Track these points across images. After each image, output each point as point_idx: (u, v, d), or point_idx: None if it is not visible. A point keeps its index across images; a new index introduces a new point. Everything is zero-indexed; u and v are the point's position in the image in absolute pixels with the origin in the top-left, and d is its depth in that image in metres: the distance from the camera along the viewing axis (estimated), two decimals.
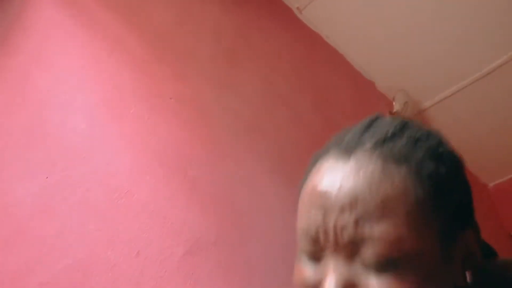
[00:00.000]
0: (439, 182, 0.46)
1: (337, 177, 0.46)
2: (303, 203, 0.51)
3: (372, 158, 0.46)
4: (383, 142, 0.48)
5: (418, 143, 0.48)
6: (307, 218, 0.48)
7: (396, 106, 2.38)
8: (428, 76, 2.37)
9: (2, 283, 1.05)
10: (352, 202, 0.44)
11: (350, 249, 0.44)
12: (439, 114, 2.53)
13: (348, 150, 0.49)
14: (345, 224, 0.44)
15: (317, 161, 0.54)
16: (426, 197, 0.45)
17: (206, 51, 1.82)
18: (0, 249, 1.08)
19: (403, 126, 0.50)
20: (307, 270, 0.49)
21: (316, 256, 0.48)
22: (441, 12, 1.97)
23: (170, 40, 1.69)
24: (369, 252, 0.43)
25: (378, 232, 0.42)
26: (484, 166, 2.83)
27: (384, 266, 0.43)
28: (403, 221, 0.43)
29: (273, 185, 1.73)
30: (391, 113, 2.39)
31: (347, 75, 2.53)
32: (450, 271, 0.46)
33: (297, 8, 2.23)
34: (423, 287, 0.43)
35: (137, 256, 1.25)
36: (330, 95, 2.23)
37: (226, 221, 1.49)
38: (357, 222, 0.43)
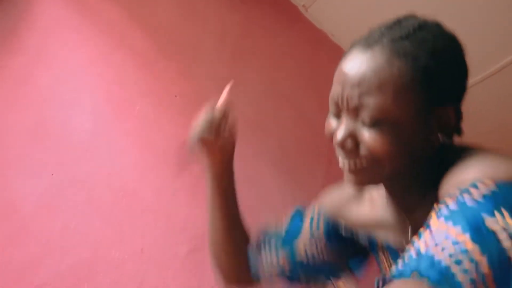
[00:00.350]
0: (429, 73, 0.63)
1: (355, 63, 0.66)
2: (334, 79, 0.70)
3: (384, 52, 0.64)
4: (396, 40, 0.65)
5: (423, 44, 0.64)
6: (333, 89, 0.69)
7: None
8: None
9: (7, 280, 1.05)
10: (360, 82, 0.63)
11: (355, 112, 0.65)
12: None
13: (369, 44, 0.66)
14: (352, 96, 0.64)
15: (350, 47, 0.70)
16: (414, 84, 0.63)
17: (211, 49, 1.82)
18: (5, 247, 1.09)
19: (420, 27, 0.66)
20: (331, 123, 0.70)
21: (337, 115, 0.69)
22: (446, 10, 1.95)
23: (175, 38, 1.69)
24: (365, 115, 0.63)
25: (373, 103, 0.62)
26: None
27: (374, 124, 0.63)
28: (391, 97, 0.62)
29: (277, 183, 1.73)
30: None
31: None
32: (424, 135, 0.65)
33: (303, 6, 2.22)
34: (398, 141, 0.63)
35: (141, 254, 1.25)
36: None
37: None
38: (360, 95, 0.63)
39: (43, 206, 1.17)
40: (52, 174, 1.22)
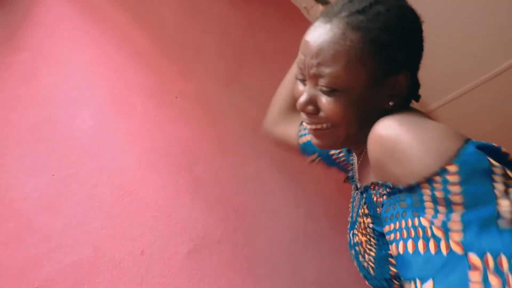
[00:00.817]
0: (380, 44, 0.68)
1: (315, 33, 0.72)
2: (300, 46, 0.76)
3: (340, 24, 0.69)
4: (353, 14, 0.69)
5: (376, 17, 0.69)
6: (298, 57, 0.75)
7: None
8: (435, 78, 2.36)
9: (9, 279, 1.06)
10: (318, 52, 0.70)
11: (315, 80, 0.72)
12: (445, 115, 2.52)
13: (329, 16, 0.71)
14: (311, 65, 0.71)
15: (315, 19, 0.76)
16: (365, 55, 0.68)
17: (213, 49, 1.82)
18: (7, 244, 1.09)
19: (376, 1, 0.70)
20: (299, 87, 0.78)
21: (303, 81, 0.77)
22: (447, 14, 1.96)
23: (177, 38, 1.70)
24: (322, 83, 0.70)
25: (328, 72, 0.69)
26: None
27: (330, 92, 0.70)
28: (344, 67, 0.68)
29: (278, 183, 1.73)
30: None
31: None
32: (377, 102, 0.71)
33: (305, 7, 2.23)
34: (352, 108, 0.70)
35: (142, 254, 1.25)
36: None
37: (230, 219, 1.50)
38: (318, 64, 0.70)
39: (44, 205, 1.17)
40: (53, 175, 1.22)
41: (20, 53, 1.32)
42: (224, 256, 1.41)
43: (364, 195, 0.78)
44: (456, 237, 0.49)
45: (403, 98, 0.74)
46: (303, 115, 0.78)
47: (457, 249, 0.48)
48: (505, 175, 0.51)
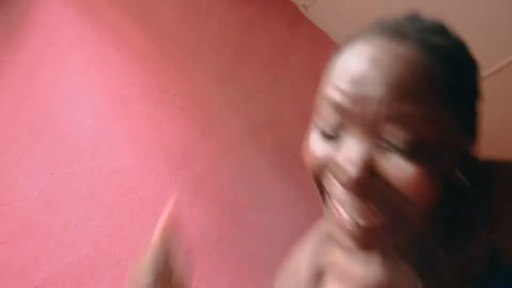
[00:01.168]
0: (458, 85, 0.46)
1: (382, 56, 0.45)
2: (336, 72, 0.48)
3: (415, 46, 0.45)
4: (427, 34, 0.47)
5: (455, 46, 0.49)
6: (340, 86, 0.46)
7: None
8: None
9: (9, 277, 1.06)
10: (399, 80, 0.42)
11: (379, 125, 0.42)
12: None
13: (390, 36, 0.47)
14: (383, 97, 0.42)
15: (357, 41, 0.50)
16: (451, 91, 0.45)
17: (212, 48, 1.82)
18: (6, 243, 1.09)
19: (443, 27, 0.51)
20: (319, 144, 0.48)
21: (334, 130, 0.46)
22: (448, 8, 1.96)
23: (176, 37, 1.69)
24: (397, 134, 0.42)
25: (416, 113, 0.42)
26: None
27: (409, 150, 0.42)
28: (440, 107, 0.43)
29: (278, 182, 1.73)
30: None
31: None
32: (450, 165, 0.46)
33: (303, 5, 2.22)
34: (438, 177, 0.43)
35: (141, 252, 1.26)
36: None
37: (229, 218, 1.50)
38: (400, 99, 0.42)
39: (43, 204, 1.17)
40: (52, 174, 1.22)
41: (19, 52, 1.32)
42: (223, 254, 1.42)
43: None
44: None
45: (468, 167, 0.48)
46: (339, 196, 0.46)
47: None
48: None
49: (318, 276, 0.66)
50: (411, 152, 0.42)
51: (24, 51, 1.33)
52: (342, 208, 0.45)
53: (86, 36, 1.45)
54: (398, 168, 0.42)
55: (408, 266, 0.51)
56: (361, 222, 0.44)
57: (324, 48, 2.28)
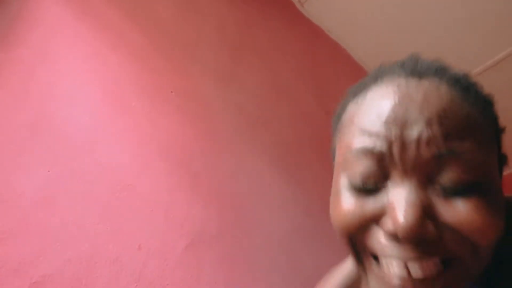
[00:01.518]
0: (491, 112, 0.45)
1: (413, 92, 0.41)
2: (365, 116, 0.43)
3: (442, 81, 0.43)
4: (443, 71, 0.45)
5: (470, 82, 0.46)
6: (375, 131, 0.41)
7: None
8: None
9: (6, 275, 1.06)
10: (441, 115, 0.39)
11: (430, 169, 0.39)
12: None
13: (415, 73, 0.44)
14: (433, 136, 0.38)
15: (375, 83, 0.46)
16: (490, 122, 0.43)
17: (209, 45, 1.82)
18: (3, 241, 1.09)
19: (445, 66, 0.48)
20: (357, 201, 0.42)
21: (373, 182, 0.41)
22: (445, 3, 1.96)
23: (173, 34, 1.69)
24: (451, 174, 0.38)
25: (467, 149, 0.38)
26: None
27: (466, 190, 0.38)
28: (483, 142, 0.40)
29: (275, 178, 1.73)
30: None
31: (349, 69, 2.53)
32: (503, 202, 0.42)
33: (299, 1, 2.23)
34: (498, 216, 0.39)
35: (139, 249, 1.26)
36: (331, 88, 2.23)
37: (227, 215, 1.50)
38: (446, 136, 0.38)
39: (40, 201, 1.17)
40: (49, 171, 1.22)
41: (15, 49, 1.31)
42: (222, 251, 1.42)
43: None
44: None
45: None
46: (399, 247, 0.40)
47: None
48: None
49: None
50: (469, 193, 0.38)
51: (21, 48, 1.32)
52: (395, 262, 0.40)
53: (83, 34, 1.44)
54: (459, 211, 0.37)
55: None
56: (419, 274, 0.39)
57: (320, 44, 2.28)
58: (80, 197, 1.23)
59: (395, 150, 0.39)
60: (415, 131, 0.39)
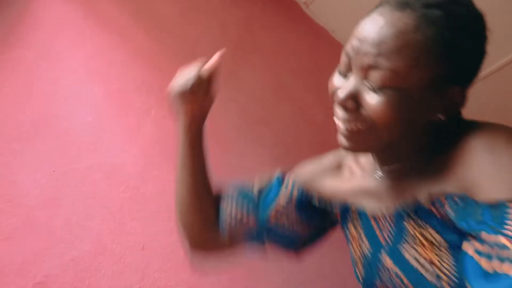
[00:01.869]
0: (452, 48, 0.61)
1: (380, 21, 0.63)
2: (354, 33, 0.67)
3: (414, 16, 0.61)
4: (429, 7, 0.61)
5: (454, 18, 0.61)
6: (350, 42, 0.66)
7: None
8: None
9: (10, 273, 1.06)
10: (382, 41, 0.61)
11: (365, 72, 0.62)
12: None
13: (400, 5, 0.63)
14: (370, 53, 0.61)
15: (378, 5, 0.67)
16: (435, 56, 0.60)
17: (212, 44, 1.82)
18: (8, 240, 1.09)
19: (453, 1, 0.63)
20: (336, 79, 0.69)
21: (345, 72, 0.67)
22: None
23: (176, 34, 1.69)
24: (376, 77, 0.61)
25: (388, 65, 0.60)
26: None
27: (382, 88, 0.61)
28: (409, 63, 0.60)
29: None
30: None
31: None
32: (428, 109, 0.63)
33: (304, 2, 2.22)
34: (402, 111, 0.61)
35: (142, 249, 1.26)
36: None
37: None
38: (378, 54, 0.60)
39: (44, 201, 1.18)
40: (54, 171, 1.22)
41: (19, 49, 1.32)
42: None
43: (411, 214, 0.69)
44: None
45: (452, 113, 0.66)
46: (338, 111, 0.68)
47: None
48: None
49: (338, 165, 0.90)
50: (381, 92, 0.61)
51: (24, 47, 1.33)
52: (338, 119, 0.68)
53: (86, 33, 1.45)
54: (371, 100, 0.62)
55: (390, 174, 0.74)
56: (347, 126, 0.66)
57: (324, 45, 2.28)
58: (84, 197, 1.23)
59: (353, 55, 0.64)
60: (364, 47, 0.62)
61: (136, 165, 1.36)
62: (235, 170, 1.61)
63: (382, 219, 0.76)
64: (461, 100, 0.65)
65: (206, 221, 0.94)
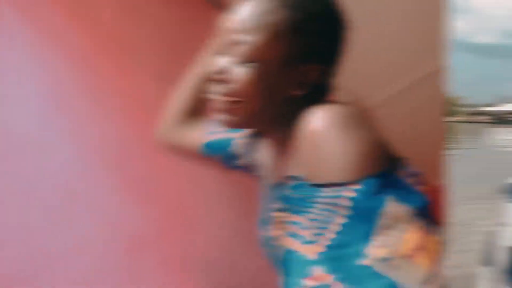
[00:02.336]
0: (301, 28, 0.73)
1: (247, 5, 0.74)
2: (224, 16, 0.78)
3: (272, 0, 0.73)
4: None
5: (309, 2, 0.75)
6: (222, 25, 0.77)
7: None
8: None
9: None
10: (244, 19, 0.72)
11: (230, 49, 0.73)
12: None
13: None
14: (234, 30, 0.73)
15: None
16: (286, 34, 0.72)
17: (149, 45, 1.81)
18: None
19: None
20: (216, 60, 0.77)
21: (220, 53, 0.76)
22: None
23: (113, 34, 1.67)
24: (239, 51, 0.72)
25: (248, 40, 0.71)
26: None
27: (243, 62, 0.71)
28: (264, 40, 0.71)
29: (215, 181, 1.76)
30: None
31: None
32: (285, 84, 0.74)
33: None
34: (259, 82, 0.72)
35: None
36: None
37: (168, 217, 1.52)
38: (240, 31, 0.72)
39: None
40: None
41: None
42: (161, 254, 1.44)
43: (281, 188, 0.80)
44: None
45: (315, 90, 0.76)
46: (212, 87, 0.78)
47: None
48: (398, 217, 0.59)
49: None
50: (245, 66, 0.72)
51: None
52: (214, 94, 0.77)
53: (20, 33, 1.40)
54: (236, 73, 0.72)
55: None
56: (220, 99, 0.75)
57: None
58: (19, 200, 1.20)
59: (223, 35, 0.76)
60: (232, 26, 0.74)
61: (72, 168, 1.34)
62: (173, 173, 1.62)
63: (268, 188, 0.89)
64: (317, 78, 0.76)
65: (186, 115, 1.16)
